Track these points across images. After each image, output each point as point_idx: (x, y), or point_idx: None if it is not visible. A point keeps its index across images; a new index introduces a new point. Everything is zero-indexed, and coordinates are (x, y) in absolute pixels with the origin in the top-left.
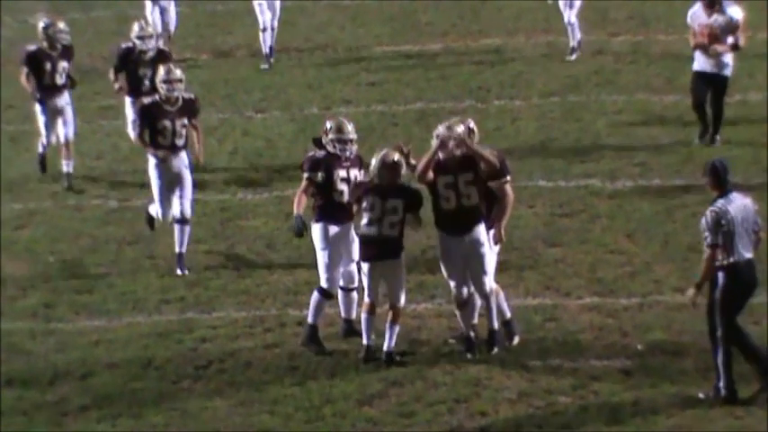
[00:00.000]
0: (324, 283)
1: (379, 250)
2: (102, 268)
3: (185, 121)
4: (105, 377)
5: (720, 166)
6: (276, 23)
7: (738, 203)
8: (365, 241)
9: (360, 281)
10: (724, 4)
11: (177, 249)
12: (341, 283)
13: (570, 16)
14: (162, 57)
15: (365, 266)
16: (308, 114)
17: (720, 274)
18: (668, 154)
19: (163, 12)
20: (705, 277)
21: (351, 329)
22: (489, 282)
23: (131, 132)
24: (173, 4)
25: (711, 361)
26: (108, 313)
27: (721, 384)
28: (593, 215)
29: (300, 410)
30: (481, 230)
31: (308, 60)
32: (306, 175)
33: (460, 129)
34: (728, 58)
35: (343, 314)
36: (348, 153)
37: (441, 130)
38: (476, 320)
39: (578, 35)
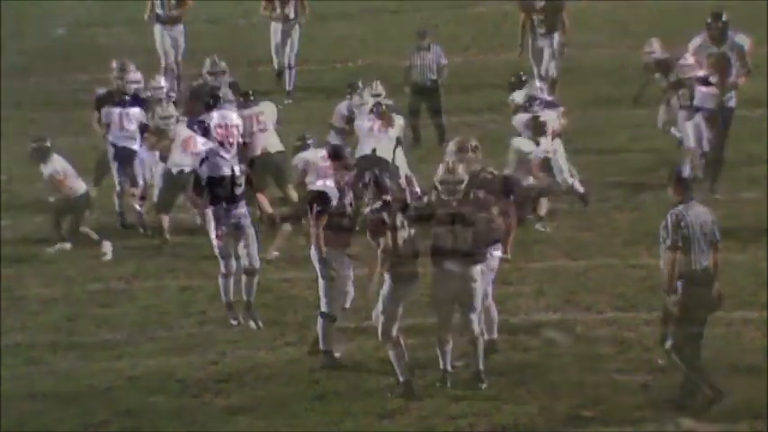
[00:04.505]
0: (325, 308)
1: (407, 272)
2: (123, 282)
3: (243, 167)
4: (126, 390)
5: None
6: (294, 58)
7: (697, 211)
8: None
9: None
10: (729, 34)
11: (245, 298)
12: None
13: (550, 69)
14: (235, 89)
15: (396, 292)
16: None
17: (678, 283)
18: None
19: (172, 42)
20: (671, 279)
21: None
22: (477, 322)
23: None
24: (182, 34)
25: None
26: (129, 326)
27: (709, 393)
28: (614, 229)
29: (321, 425)
30: (476, 268)
31: (328, 74)
32: (320, 208)
33: (473, 144)
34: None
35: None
36: (347, 177)
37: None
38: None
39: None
